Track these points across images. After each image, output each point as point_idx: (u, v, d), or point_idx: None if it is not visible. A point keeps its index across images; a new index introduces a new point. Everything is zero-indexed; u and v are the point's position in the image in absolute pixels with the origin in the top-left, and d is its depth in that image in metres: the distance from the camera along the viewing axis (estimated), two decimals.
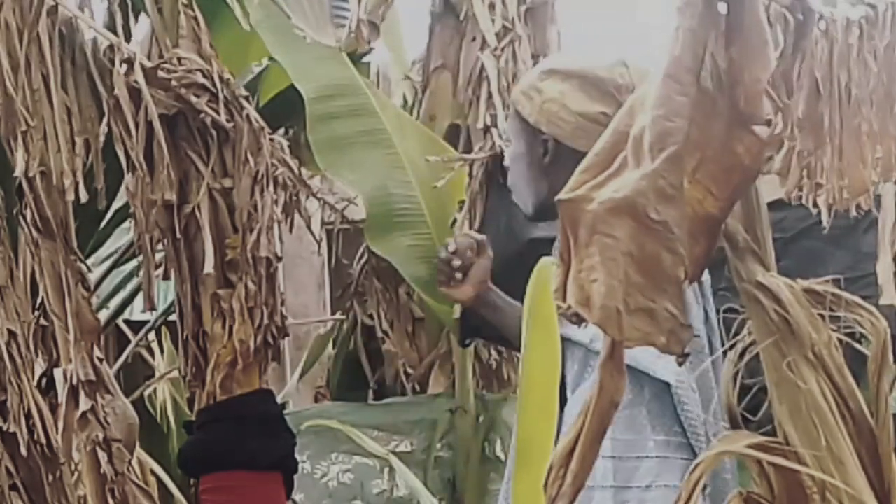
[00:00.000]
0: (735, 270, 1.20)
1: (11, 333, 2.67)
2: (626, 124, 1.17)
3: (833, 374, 1.13)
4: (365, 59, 4.56)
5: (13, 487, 2.66)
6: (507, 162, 2.60)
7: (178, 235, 2.88)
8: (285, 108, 4.11)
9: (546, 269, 1.55)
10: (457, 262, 2.71)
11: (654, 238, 1.12)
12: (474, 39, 4.02)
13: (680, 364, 1.13)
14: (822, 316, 1.14)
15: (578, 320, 1.17)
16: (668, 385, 2.34)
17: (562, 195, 1.20)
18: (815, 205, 3.16)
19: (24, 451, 2.62)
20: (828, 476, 1.09)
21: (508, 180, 2.59)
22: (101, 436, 2.81)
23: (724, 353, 1.17)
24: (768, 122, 1.17)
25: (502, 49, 3.94)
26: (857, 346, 1.14)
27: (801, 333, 1.13)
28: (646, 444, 2.34)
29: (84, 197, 2.72)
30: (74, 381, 2.80)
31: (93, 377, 2.83)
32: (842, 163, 2.97)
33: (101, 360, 2.87)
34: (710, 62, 1.15)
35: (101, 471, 2.80)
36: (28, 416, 2.67)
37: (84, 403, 2.80)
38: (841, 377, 1.13)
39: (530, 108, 2.47)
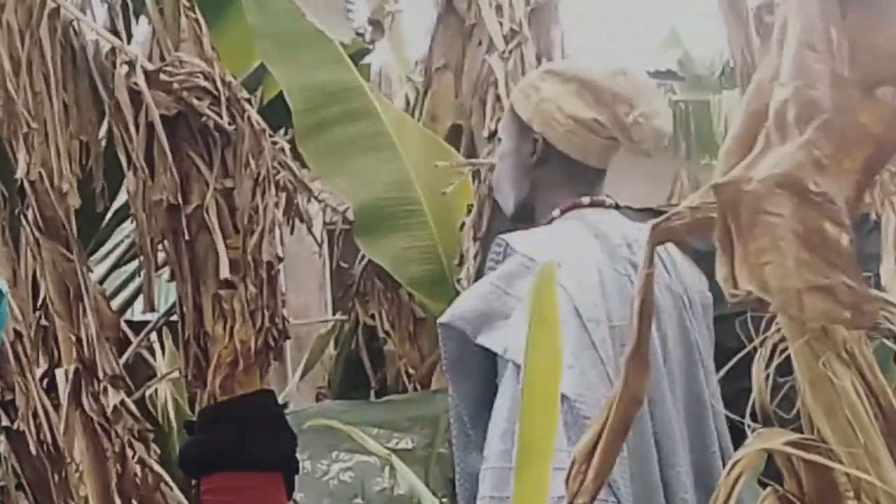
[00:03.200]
0: None
1: (17, 333, 2.67)
2: (760, 102, 1.14)
3: (865, 371, 1.12)
4: (366, 60, 4.58)
5: (19, 486, 2.66)
6: (494, 159, 2.57)
7: (180, 236, 2.88)
8: (287, 108, 4.11)
9: (549, 269, 1.53)
10: None
11: (816, 211, 1.07)
12: (480, 43, 4.01)
13: (871, 338, 1.12)
14: None
15: (762, 305, 1.13)
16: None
17: (718, 179, 1.16)
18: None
19: (33, 449, 2.63)
20: (864, 474, 1.08)
21: (493, 178, 2.57)
22: (135, 427, 2.83)
23: (755, 349, 1.17)
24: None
25: (510, 52, 3.94)
26: (887, 342, 1.14)
27: (834, 331, 1.12)
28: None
29: (77, 203, 2.73)
30: (101, 376, 2.81)
31: (118, 371, 2.84)
32: None
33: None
34: (827, 34, 1.12)
35: (136, 459, 2.82)
36: (34, 415, 2.67)
37: (114, 397, 2.81)
38: (872, 374, 1.12)
39: (526, 106, 2.46)
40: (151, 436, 2.90)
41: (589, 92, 2.43)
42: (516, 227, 2.56)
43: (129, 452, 2.86)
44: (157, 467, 2.91)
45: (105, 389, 2.83)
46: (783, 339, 1.13)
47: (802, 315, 1.08)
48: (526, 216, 2.51)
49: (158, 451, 2.96)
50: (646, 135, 2.42)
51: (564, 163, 2.43)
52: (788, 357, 1.14)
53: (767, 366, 1.15)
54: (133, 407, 2.87)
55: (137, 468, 2.86)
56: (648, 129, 2.42)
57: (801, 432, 1.14)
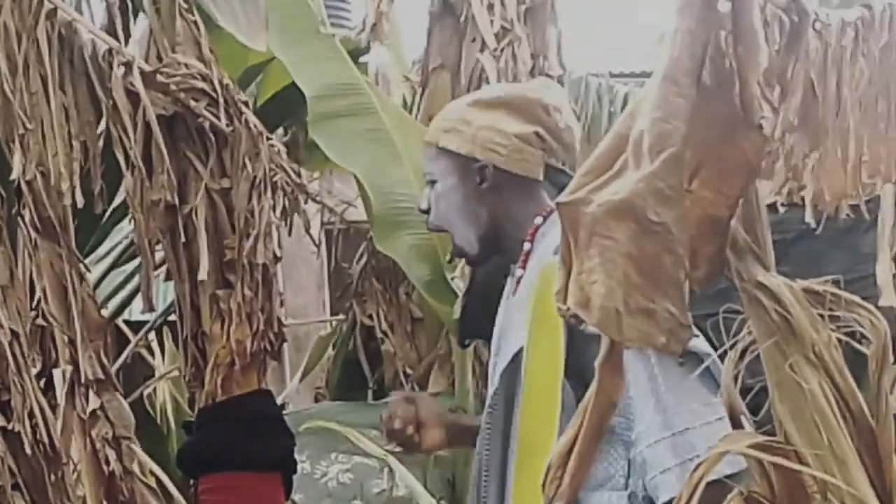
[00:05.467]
0: (735, 270, 1.20)
1: (14, 333, 2.68)
2: (627, 126, 1.18)
3: (834, 374, 1.13)
4: (363, 59, 4.58)
5: (15, 487, 2.67)
6: (425, 205, 2.60)
7: (178, 236, 2.89)
8: (284, 108, 4.13)
9: (550, 269, 1.55)
10: (410, 429, 2.74)
11: (653, 239, 1.12)
12: (474, 40, 4.03)
13: (680, 364, 1.14)
14: (821, 316, 1.15)
15: (578, 321, 1.18)
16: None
17: (561, 198, 1.21)
18: (796, 204, 3.15)
19: (28, 450, 2.63)
20: (830, 476, 1.09)
21: (436, 223, 2.59)
22: (110, 433, 2.82)
23: (725, 353, 1.18)
24: (760, 126, 1.19)
25: (501, 50, 3.96)
26: (856, 345, 1.14)
27: (802, 333, 1.13)
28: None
29: (81, 201, 2.73)
30: (83, 380, 2.81)
31: (101, 375, 2.84)
32: (825, 165, 2.97)
33: (107, 358, 2.89)
34: (715, 62, 1.16)
35: (110, 469, 2.81)
36: (31, 415, 2.68)
37: (93, 401, 2.82)
38: (841, 377, 1.13)
39: (460, 141, 2.50)
40: (130, 443, 2.87)
41: (519, 109, 2.50)
42: (481, 261, 2.60)
43: (104, 457, 2.85)
44: (139, 475, 2.90)
45: (87, 393, 2.83)
46: (753, 342, 1.14)
47: (620, 334, 1.12)
48: (492, 246, 2.54)
49: (139, 459, 2.93)
50: (574, 140, 2.52)
51: (515, 181, 2.49)
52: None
53: (736, 367, 1.16)
54: (112, 413, 2.85)
55: (118, 474, 2.85)
56: (574, 136, 2.52)
57: (774, 434, 1.15)
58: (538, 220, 2.48)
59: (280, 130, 4.55)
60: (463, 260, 2.97)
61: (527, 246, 2.49)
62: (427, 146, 2.59)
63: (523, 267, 2.49)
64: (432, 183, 2.57)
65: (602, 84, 6.12)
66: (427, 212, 2.60)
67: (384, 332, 4.58)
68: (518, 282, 2.50)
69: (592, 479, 2.31)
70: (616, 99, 6.07)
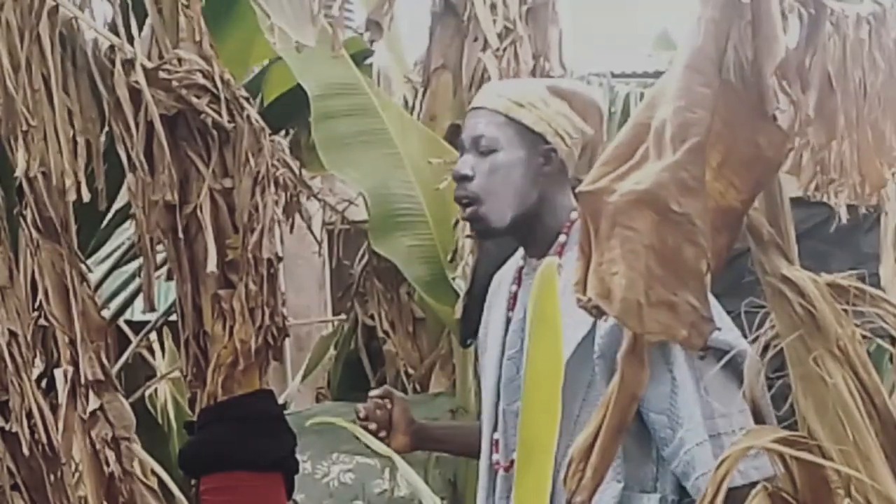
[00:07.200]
0: (759, 264, 1.19)
1: (12, 334, 2.67)
2: (647, 116, 1.17)
3: (858, 368, 1.12)
4: (367, 61, 4.58)
5: (14, 487, 2.66)
6: (469, 171, 2.53)
7: (179, 236, 2.88)
8: (286, 110, 4.12)
9: (550, 268, 1.54)
10: (373, 426, 2.76)
11: (676, 230, 1.11)
12: (476, 40, 4.04)
13: (701, 358, 1.13)
14: (845, 311, 1.14)
15: (599, 313, 1.16)
16: None
17: (583, 187, 1.20)
18: (828, 199, 3.12)
19: (25, 451, 2.62)
20: (854, 471, 1.08)
21: (476, 192, 2.53)
22: (109, 434, 2.81)
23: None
24: (774, 118, 1.17)
25: (503, 50, 3.96)
26: (879, 341, 1.13)
27: (827, 328, 1.12)
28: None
29: (86, 197, 2.72)
30: (83, 381, 2.80)
31: (101, 376, 2.83)
32: (858, 157, 2.94)
33: (108, 358, 2.88)
34: (733, 53, 1.15)
35: (109, 469, 2.80)
36: (29, 416, 2.67)
37: (93, 402, 2.81)
38: (866, 372, 1.12)
39: (535, 118, 2.50)
40: (131, 444, 2.87)
41: (582, 108, 2.53)
42: (502, 236, 2.57)
43: (104, 458, 2.84)
44: (139, 475, 2.89)
45: (87, 394, 2.82)
46: (776, 336, 1.13)
47: (641, 327, 1.11)
48: (522, 227, 2.52)
49: (140, 459, 2.93)
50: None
51: (563, 172, 2.50)
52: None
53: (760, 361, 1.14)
54: (112, 414, 2.84)
55: (118, 475, 2.84)
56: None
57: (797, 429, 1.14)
58: (574, 214, 2.49)
59: (282, 132, 4.55)
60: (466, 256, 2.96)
61: (562, 238, 2.49)
62: (491, 113, 2.54)
63: (559, 255, 2.48)
64: (488, 151, 2.51)
65: (603, 84, 6.12)
66: (465, 178, 2.53)
67: (385, 332, 4.57)
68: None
69: (625, 480, 2.32)
70: (617, 99, 6.06)
